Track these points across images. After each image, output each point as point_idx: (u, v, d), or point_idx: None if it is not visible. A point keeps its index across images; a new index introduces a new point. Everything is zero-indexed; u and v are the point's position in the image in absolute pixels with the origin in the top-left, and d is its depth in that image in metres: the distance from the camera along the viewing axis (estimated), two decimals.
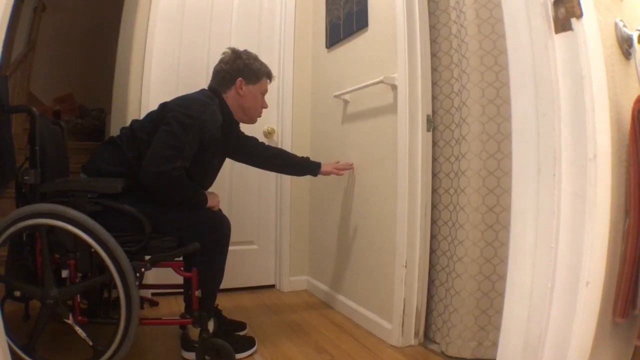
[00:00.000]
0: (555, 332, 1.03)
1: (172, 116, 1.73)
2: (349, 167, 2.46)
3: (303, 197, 3.07)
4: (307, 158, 2.38)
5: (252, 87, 1.97)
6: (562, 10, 1.01)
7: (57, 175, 1.80)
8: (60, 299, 1.57)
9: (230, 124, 1.97)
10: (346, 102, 2.61)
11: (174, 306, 2.50)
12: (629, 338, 1.30)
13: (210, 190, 1.98)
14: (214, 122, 1.82)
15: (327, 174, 2.39)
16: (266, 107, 2.08)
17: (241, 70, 1.95)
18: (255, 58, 2.01)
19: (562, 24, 1.02)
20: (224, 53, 2.01)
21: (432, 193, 2.10)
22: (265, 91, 2.04)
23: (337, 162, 2.48)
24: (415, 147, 2.05)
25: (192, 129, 1.72)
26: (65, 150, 2.10)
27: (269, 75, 2.04)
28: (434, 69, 2.11)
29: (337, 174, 2.42)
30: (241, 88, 1.95)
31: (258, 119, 2.10)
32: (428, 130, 2.08)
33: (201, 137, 1.76)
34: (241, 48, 2.02)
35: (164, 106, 1.82)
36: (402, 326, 2.04)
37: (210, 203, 1.85)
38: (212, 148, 1.87)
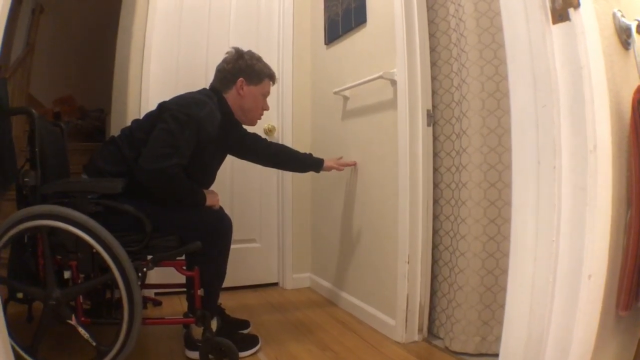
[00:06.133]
0: (558, 326, 1.02)
1: (169, 114, 1.73)
2: (352, 164, 2.44)
3: (305, 194, 3.06)
4: (310, 154, 2.37)
5: (253, 88, 1.95)
6: (559, 1, 1.00)
7: (57, 177, 1.80)
8: (63, 300, 1.57)
9: (230, 123, 1.96)
10: (346, 98, 2.60)
11: (177, 305, 2.50)
12: (633, 331, 1.30)
13: (211, 189, 1.98)
14: (212, 120, 1.80)
15: (329, 169, 2.39)
16: (267, 109, 2.06)
17: (243, 70, 1.93)
18: (258, 59, 1.98)
19: (560, 15, 1.01)
20: (227, 52, 1.99)
21: (434, 188, 2.09)
22: (267, 93, 2.01)
23: (340, 158, 2.47)
24: (416, 142, 2.04)
25: (189, 126, 1.71)
26: (66, 151, 2.10)
27: (271, 77, 2.01)
28: (433, 64, 2.10)
29: (338, 169, 2.42)
30: (242, 88, 1.93)
31: (258, 120, 2.08)
32: (428, 124, 2.07)
33: (198, 135, 1.75)
34: (240, 47, 2.01)
35: (161, 105, 1.81)
36: (406, 322, 2.04)
37: (209, 201, 1.84)
38: (211, 147, 1.86)
